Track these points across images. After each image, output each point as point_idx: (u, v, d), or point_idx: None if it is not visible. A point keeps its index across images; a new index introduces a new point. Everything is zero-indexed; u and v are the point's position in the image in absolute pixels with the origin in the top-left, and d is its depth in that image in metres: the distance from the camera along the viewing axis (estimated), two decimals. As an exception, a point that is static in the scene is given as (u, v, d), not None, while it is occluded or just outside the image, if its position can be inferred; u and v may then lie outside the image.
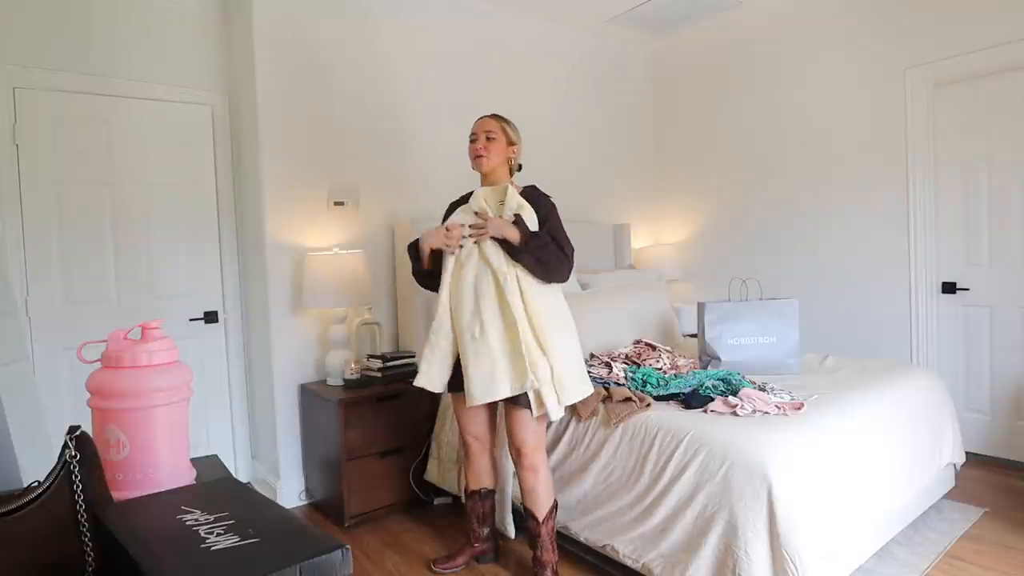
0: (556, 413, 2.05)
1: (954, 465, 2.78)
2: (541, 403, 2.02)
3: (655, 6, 3.82)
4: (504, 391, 2.00)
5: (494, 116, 2.26)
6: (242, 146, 3.21)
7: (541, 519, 2.13)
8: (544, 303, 2.07)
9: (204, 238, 3.22)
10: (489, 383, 2.00)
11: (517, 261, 2.04)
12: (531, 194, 2.21)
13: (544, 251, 2.05)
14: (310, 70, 3.14)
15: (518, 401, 2.04)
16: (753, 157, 4.20)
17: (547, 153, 4.10)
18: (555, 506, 2.18)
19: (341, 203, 3.21)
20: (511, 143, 2.24)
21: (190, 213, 3.17)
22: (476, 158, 2.20)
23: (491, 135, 2.19)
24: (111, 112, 2.94)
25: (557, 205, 2.25)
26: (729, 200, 4.37)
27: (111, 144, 2.95)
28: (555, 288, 2.15)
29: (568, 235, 2.17)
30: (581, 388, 2.13)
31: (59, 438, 0.96)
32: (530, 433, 2.09)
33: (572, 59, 4.28)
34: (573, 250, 2.15)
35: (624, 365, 2.66)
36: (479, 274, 2.07)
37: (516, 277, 2.04)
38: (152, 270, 3.07)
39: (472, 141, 2.22)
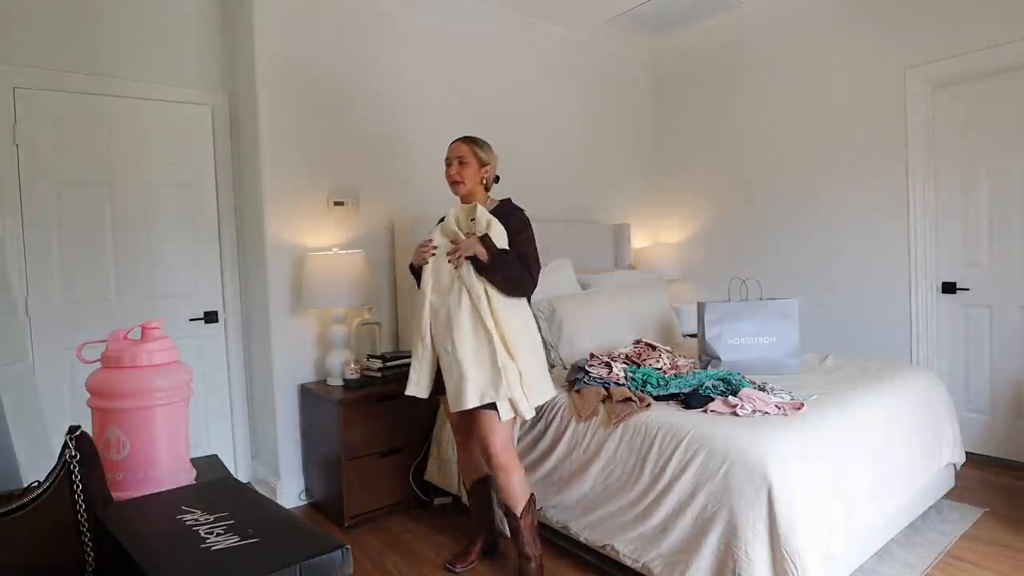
0: (528, 412, 2.16)
1: (954, 465, 2.78)
2: (510, 407, 2.12)
3: (655, 6, 3.82)
4: (471, 402, 2.09)
5: (465, 140, 2.32)
6: (242, 146, 3.21)
7: (519, 514, 2.19)
8: (512, 315, 2.17)
9: (204, 238, 3.22)
10: (458, 394, 2.11)
11: (485, 277, 2.14)
12: (503, 209, 2.29)
13: (510, 269, 2.16)
14: (310, 70, 3.14)
15: (485, 406, 2.13)
16: (753, 157, 4.20)
17: (547, 153, 4.10)
18: (532, 500, 2.24)
19: (341, 203, 3.22)
20: (483, 164, 2.31)
21: (190, 213, 3.17)
22: (452, 184, 2.30)
23: (463, 160, 2.28)
24: (111, 112, 2.93)
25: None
26: (729, 200, 4.37)
27: (111, 144, 2.95)
28: (522, 300, 2.24)
29: (537, 252, 2.27)
30: (547, 390, 2.25)
31: (59, 438, 0.96)
32: (495, 434, 2.17)
33: (572, 59, 4.28)
34: (539, 269, 2.26)
35: (624, 365, 2.66)
36: (452, 291, 2.17)
37: (486, 292, 2.13)
38: (152, 270, 3.07)
39: (448, 165, 2.31)
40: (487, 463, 2.23)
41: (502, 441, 2.18)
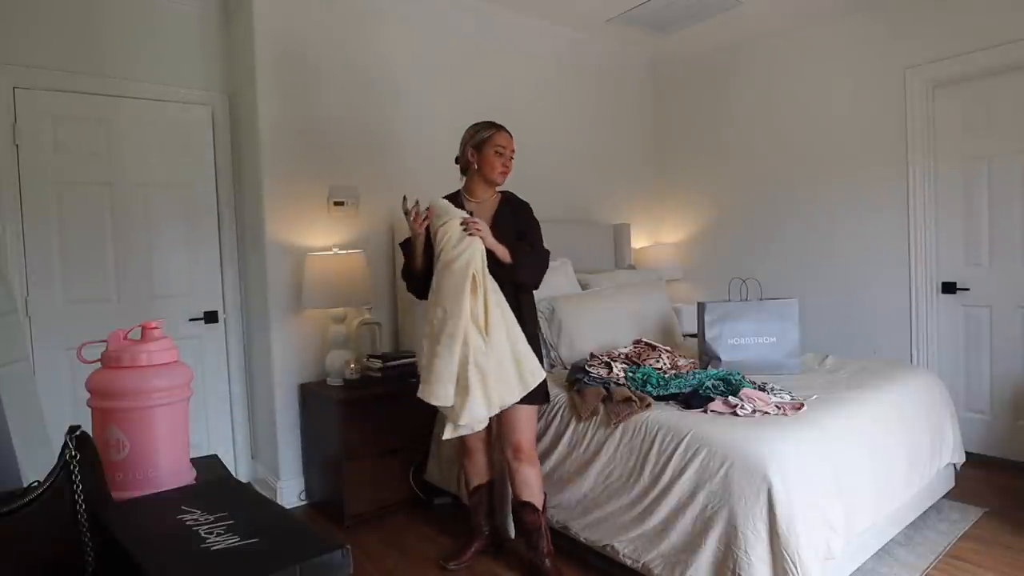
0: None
1: (954, 465, 2.78)
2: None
3: (654, 6, 3.82)
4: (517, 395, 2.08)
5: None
6: (242, 146, 3.21)
7: (542, 509, 2.21)
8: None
9: (204, 238, 3.22)
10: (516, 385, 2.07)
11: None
12: (514, 201, 2.32)
13: (530, 258, 2.20)
14: (310, 70, 3.14)
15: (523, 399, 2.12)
16: (753, 157, 4.20)
17: (547, 153, 4.09)
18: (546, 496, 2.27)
19: (341, 203, 3.21)
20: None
21: (190, 213, 3.17)
22: (502, 175, 2.26)
23: (513, 154, 2.29)
24: (111, 112, 2.93)
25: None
26: (729, 200, 4.37)
27: (111, 144, 2.94)
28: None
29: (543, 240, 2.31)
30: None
31: (59, 438, 0.96)
32: (529, 429, 2.19)
33: (572, 59, 4.28)
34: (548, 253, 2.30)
35: (624, 365, 2.66)
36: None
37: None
38: (152, 270, 3.07)
39: (499, 155, 2.23)
40: (515, 459, 2.17)
41: (533, 435, 2.24)
